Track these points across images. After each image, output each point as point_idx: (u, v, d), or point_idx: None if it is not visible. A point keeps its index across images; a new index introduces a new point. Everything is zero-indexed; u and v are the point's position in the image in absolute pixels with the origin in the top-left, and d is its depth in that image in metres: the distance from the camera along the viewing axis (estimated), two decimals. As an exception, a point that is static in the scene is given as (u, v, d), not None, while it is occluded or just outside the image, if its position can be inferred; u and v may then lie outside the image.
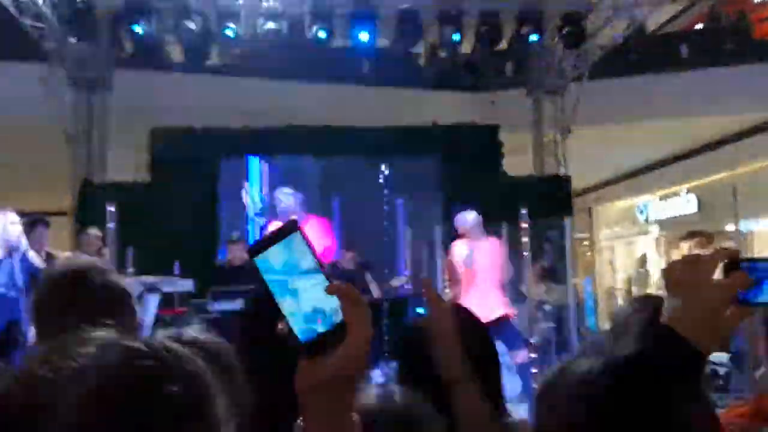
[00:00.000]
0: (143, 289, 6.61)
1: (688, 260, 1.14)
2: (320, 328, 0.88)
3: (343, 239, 9.59)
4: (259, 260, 0.90)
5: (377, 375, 8.35)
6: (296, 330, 0.88)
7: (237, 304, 6.70)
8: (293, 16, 9.17)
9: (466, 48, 10.09)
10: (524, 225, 7.28)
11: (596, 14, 9.98)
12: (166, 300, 7.26)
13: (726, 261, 1.10)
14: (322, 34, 8.98)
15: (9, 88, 8.95)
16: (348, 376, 0.88)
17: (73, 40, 8.54)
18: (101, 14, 8.84)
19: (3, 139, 10.04)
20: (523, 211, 7.33)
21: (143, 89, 9.68)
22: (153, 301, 6.65)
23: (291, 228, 0.91)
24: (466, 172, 9.79)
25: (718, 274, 1.10)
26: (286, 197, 7.98)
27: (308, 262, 0.90)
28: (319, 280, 0.89)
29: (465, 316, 1.99)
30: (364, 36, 9.18)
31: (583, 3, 9.86)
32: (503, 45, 9.95)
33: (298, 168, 10.27)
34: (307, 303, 0.89)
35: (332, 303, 0.89)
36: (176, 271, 8.08)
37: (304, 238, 0.91)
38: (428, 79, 11.02)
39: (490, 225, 7.65)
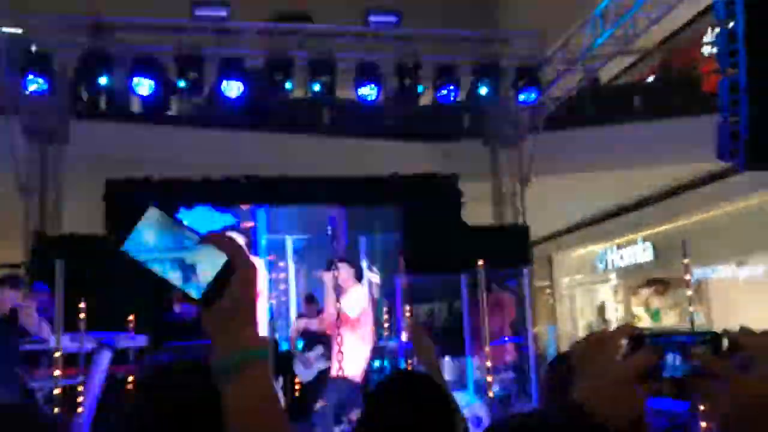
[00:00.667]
0: (95, 345, 6.43)
1: (593, 339, 1.14)
2: (206, 278, 0.98)
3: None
4: (128, 245, 0.99)
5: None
6: (191, 292, 0.98)
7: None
8: (253, 67, 9.20)
9: (424, 100, 10.22)
10: (483, 278, 7.29)
11: (550, 67, 10.22)
12: (120, 356, 7.07)
13: (630, 338, 1.10)
14: (287, 85, 9.00)
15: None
16: (245, 307, 1.01)
17: (28, 90, 8.42)
18: (59, 65, 8.76)
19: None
20: (480, 263, 7.33)
21: (101, 140, 9.58)
22: (106, 357, 6.46)
23: (150, 208, 1.00)
24: (428, 221, 9.80)
25: (622, 352, 1.10)
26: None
27: (180, 233, 0.99)
28: (195, 244, 0.99)
29: None
30: (318, 87, 9.22)
31: (537, 57, 10.08)
32: (461, 96, 10.11)
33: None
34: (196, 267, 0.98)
35: (212, 253, 0.99)
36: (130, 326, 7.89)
37: (165, 213, 1.00)
38: (386, 129, 11.12)
39: (450, 274, 7.67)
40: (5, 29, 8.37)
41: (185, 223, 1.01)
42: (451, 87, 9.52)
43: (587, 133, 11.68)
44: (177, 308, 8.25)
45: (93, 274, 8.00)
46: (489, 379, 6.95)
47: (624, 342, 1.11)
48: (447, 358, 8.33)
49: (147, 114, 10.41)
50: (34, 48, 8.62)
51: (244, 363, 1.01)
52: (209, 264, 0.98)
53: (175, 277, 0.98)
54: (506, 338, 8.44)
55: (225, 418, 1.01)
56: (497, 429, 1.17)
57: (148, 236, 0.99)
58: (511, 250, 9.74)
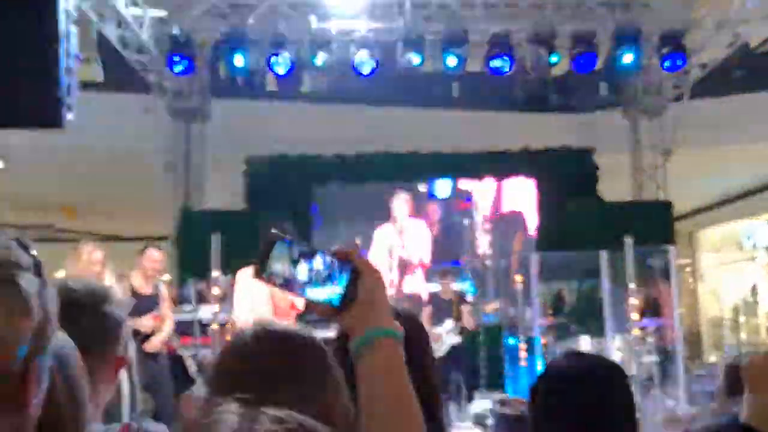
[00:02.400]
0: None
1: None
2: (340, 288, 1.11)
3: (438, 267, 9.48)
4: (265, 277, 1.12)
5: (475, 406, 8.22)
6: (327, 302, 1.12)
7: (332, 331, 6.70)
8: (385, 43, 9.20)
9: (558, 69, 9.90)
10: (629, 254, 7.00)
11: (698, 31, 9.64)
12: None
13: None
14: (416, 60, 8.95)
15: (113, 117, 9.34)
16: (375, 301, 1.12)
17: (173, 71, 8.81)
18: (199, 45, 9.10)
19: (107, 166, 10.48)
20: (629, 240, 7.05)
21: (239, 118, 9.92)
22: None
23: (273, 238, 1.12)
24: (562, 197, 9.54)
25: None
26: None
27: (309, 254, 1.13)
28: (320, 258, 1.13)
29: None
30: (451, 61, 9.10)
31: (683, 20, 9.52)
32: (598, 65, 9.71)
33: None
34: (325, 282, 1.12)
35: (341, 266, 1.12)
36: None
37: (286, 240, 1.13)
38: (519, 101, 10.88)
39: (587, 251, 7.42)
40: (151, 13, 8.75)
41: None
42: (590, 56, 9.14)
43: (735, 102, 11.04)
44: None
45: (236, 247, 8.32)
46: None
47: None
48: (585, 337, 8.08)
49: (282, 91, 10.67)
50: (176, 30, 8.97)
51: (377, 339, 1.09)
52: (338, 273, 1.12)
53: (316, 293, 1.12)
54: (647, 320, 8.08)
55: (360, 395, 1.09)
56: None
57: (280, 261, 1.12)
58: (652, 226, 9.33)
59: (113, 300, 1.67)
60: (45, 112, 4.52)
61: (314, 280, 1.12)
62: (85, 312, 1.55)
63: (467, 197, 10.35)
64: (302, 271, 1.12)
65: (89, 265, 5.04)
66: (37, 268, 0.89)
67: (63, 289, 1.57)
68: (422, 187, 10.34)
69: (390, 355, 1.10)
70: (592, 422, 1.68)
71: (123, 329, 1.66)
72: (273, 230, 1.14)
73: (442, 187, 10.51)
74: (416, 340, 1.73)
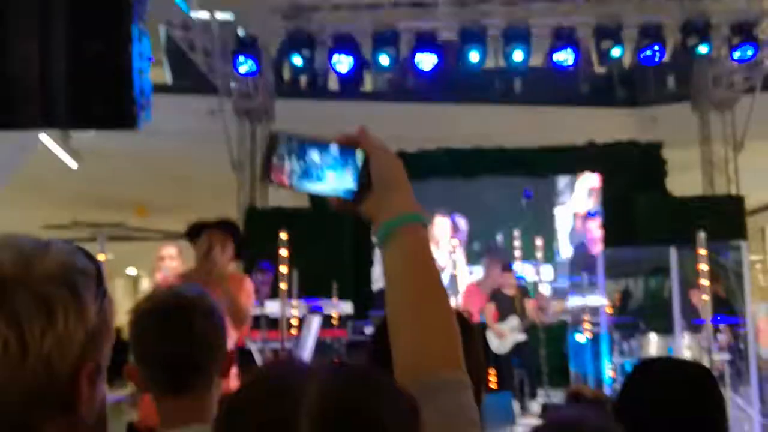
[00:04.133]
0: (306, 312, 6.76)
1: None
2: (352, 179, 1.04)
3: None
4: (271, 180, 1.04)
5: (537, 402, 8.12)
6: (343, 195, 1.05)
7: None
8: (446, 41, 9.15)
9: (624, 62, 9.69)
10: (702, 251, 6.80)
11: (768, 21, 9.31)
12: (327, 321, 7.39)
13: None
14: (475, 57, 8.88)
15: (181, 119, 9.54)
16: (392, 183, 1.05)
17: (239, 72, 8.94)
18: (264, 47, 9.21)
19: (176, 166, 10.72)
20: (702, 235, 6.85)
21: (302, 118, 10.00)
22: (316, 322, 6.77)
23: (275, 138, 1.05)
24: (629, 192, 9.35)
25: None
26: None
27: (315, 148, 1.05)
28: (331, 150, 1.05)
29: None
30: (518, 55, 9.00)
31: (755, 10, 9.20)
32: (665, 57, 9.47)
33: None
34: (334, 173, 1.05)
35: (350, 155, 1.05)
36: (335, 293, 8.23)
37: (294, 138, 1.05)
38: (584, 95, 10.69)
39: (659, 248, 7.24)
40: (217, 16, 8.90)
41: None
42: (656, 48, 8.90)
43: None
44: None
45: (300, 244, 8.40)
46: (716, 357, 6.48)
47: None
48: (653, 335, 7.88)
49: (344, 90, 10.72)
50: (241, 32, 9.10)
51: (401, 226, 1.03)
52: (349, 163, 1.05)
53: (327, 187, 1.05)
54: (719, 317, 7.83)
55: (387, 289, 1.03)
56: None
57: (286, 161, 1.04)
58: (723, 222, 9.06)
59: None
60: (120, 114, 4.61)
61: (324, 173, 1.04)
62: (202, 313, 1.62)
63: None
64: (310, 165, 1.04)
65: (167, 261, 5.15)
66: (99, 277, 0.91)
67: (177, 294, 1.69)
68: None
69: (415, 241, 1.04)
70: (682, 419, 1.65)
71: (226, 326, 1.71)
72: (273, 131, 1.08)
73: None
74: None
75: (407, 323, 1.00)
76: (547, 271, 10.31)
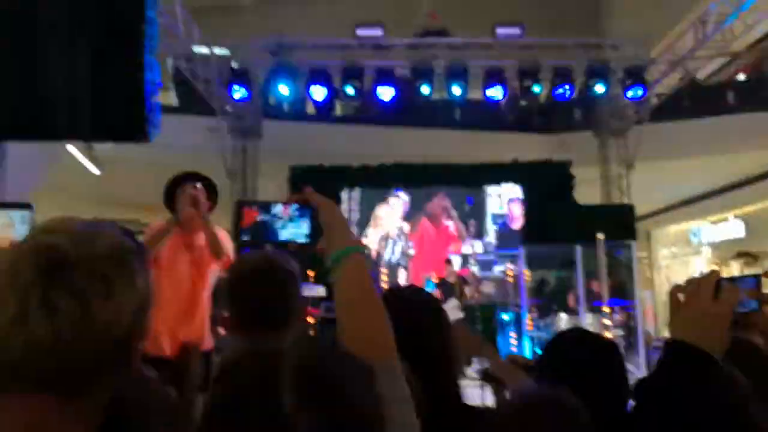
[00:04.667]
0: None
1: (691, 282, 1.11)
2: (306, 226, 1.17)
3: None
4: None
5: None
6: (301, 240, 1.18)
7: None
8: (402, 76, 9.17)
9: (541, 97, 9.82)
10: (602, 249, 6.93)
11: (654, 67, 9.54)
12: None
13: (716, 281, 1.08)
14: (425, 90, 8.92)
15: (184, 134, 9.39)
16: (334, 224, 1.16)
17: (233, 98, 8.84)
18: (254, 77, 9.12)
19: (177, 172, 10.51)
20: (601, 237, 6.98)
21: (285, 135, 9.93)
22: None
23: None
24: (544, 201, 9.46)
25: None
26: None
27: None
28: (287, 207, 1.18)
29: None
30: (457, 90, 9.05)
31: (642, 59, 9.43)
32: (574, 94, 9.63)
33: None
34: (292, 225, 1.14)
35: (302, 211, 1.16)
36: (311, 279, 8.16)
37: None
38: (509, 123, 10.82)
39: (567, 245, 7.35)
40: (216, 51, 8.79)
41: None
42: (567, 86, 9.05)
43: (685, 124, 10.93)
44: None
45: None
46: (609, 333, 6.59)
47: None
48: (563, 314, 8.01)
49: (319, 114, 10.68)
50: (235, 64, 9.00)
51: (345, 256, 1.12)
52: (302, 217, 1.14)
53: (287, 234, 1.11)
54: (613, 301, 8.00)
55: (336, 302, 1.10)
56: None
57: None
58: (618, 226, 9.21)
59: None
60: (135, 128, 4.54)
61: (285, 225, 1.23)
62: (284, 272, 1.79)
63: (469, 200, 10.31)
64: (275, 219, 1.21)
65: None
66: (142, 254, 0.90)
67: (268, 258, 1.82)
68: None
69: (355, 266, 1.12)
70: (588, 377, 1.65)
71: None
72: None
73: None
74: (433, 317, 1.72)
75: (350, 322, 1.07)
76: (477, 246, 10.41)
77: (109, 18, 4.38)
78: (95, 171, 10.62)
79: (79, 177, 10.51)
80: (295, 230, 0.98)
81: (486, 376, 2.48)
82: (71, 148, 9.19)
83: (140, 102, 4.44)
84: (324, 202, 1.18)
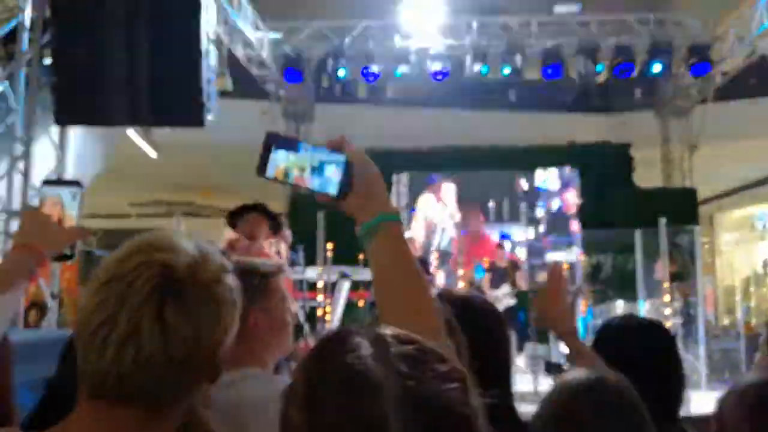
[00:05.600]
0: (338, 276, 6.70)
1: None
2: (336, 178, 0.97)
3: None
4: (269, 171, 0.97)
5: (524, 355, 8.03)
6: (329, 192, 0.97)
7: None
8: (455, 57, 8.97)
9: (601, 77, 9.46)
10: (663, 234, 6.65)
11: (720, 45, 9.04)
12: (355, 285, 7.32)
13: None
14: (482, 69, 8.68)
15: (239, 118, 9.46)
16: (371, 187, 0.99)
17: (287, 82, 8.86)
18: (307, 61, 9.10)
19: (235, 157, 10.64)
20: (662, 221, 6.69)
21: (336, 118, 9.90)
22: (345, 286, 6.72)
23: (270, 138, 0.97)
24: (602, 184, 9.16)
25: None
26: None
27: (304, 150, 0.97)
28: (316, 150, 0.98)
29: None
30: (508, 70, 8.78)
31: (707, 36, 8.95)
32: (634, 74, 9.24)
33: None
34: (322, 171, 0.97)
35: (335, 158, 0.97)
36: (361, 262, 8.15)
37: (288, 139, 0.98)
38: (566, 103, 10.49)
39: (625, 230, 7.11)
40: (270, 35, 8.79)
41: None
42: (627, 66, 8.67)
43: (752, 104, 10.35)
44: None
45: (333, 222, 8.33)
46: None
47: None
48: (620, 301, 7.75)
49: (370, 97, 10.60)
50: (289, 49, 8.99)
51: (382, 224, 0.98)
52: (334, 165, 0.98)
53: (315, 183, 0.97)
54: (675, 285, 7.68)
55: (374, 279, 0.99)
56: None
57: (280, 158, 0.97)
58: (679, 210, 8.85)
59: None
60: (191, 115, 4.57)
61: (313, 170, 0.97)
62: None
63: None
64: (301, 163, 0.97)
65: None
66: (236, 278, 0.91)
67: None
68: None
69: (393, 236, 0.99)
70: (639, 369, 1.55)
71: None
72: (269, 132, 1.00)
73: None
74: (493, 325, 1.61)
75: (391, 303, 0.97)
76: (528, 232, 10.12)
77: (167, 7, 4.39)
78: (152, 154, 10.87)
79: (137, 160, 10.78)
80: (323, 180, 0.82)
81: (550, 368, 2.41)
82: (130, 132, 9.40)
83: (197, 89, 4.47)
84: (362, 157, 1.01)
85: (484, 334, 1.49)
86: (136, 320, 0.79)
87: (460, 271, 7.45)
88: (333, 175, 0.97)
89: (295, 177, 0.97)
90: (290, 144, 0.98)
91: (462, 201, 9.99)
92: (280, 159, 0.97)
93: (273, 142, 0.98)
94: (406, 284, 0.98)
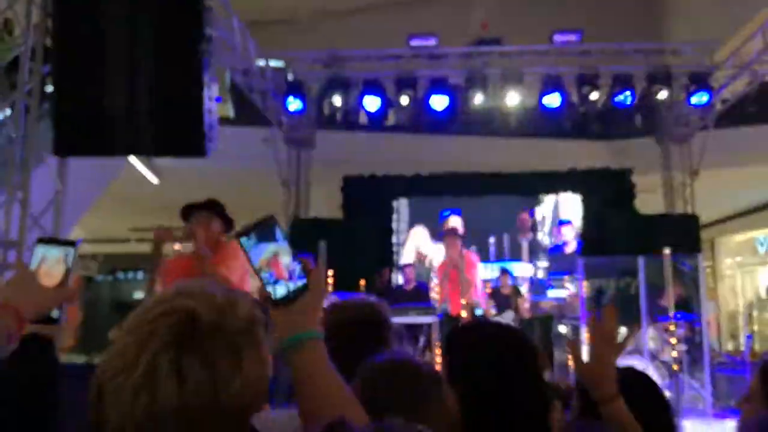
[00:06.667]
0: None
1: None
2: (290, 288, 1.02)
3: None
4: (243, 240, 1.01)
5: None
6: (272, 292, 1.02)
7: (410, 318, 6.66)
8: (455, 85, 8.99)
9: (600, 104, 9.46)
10: (668, 263, 6.58)
11: (719, 72, 9.06)
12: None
13: None
14: (479, 98, 8.71)
15: (240, 145, 9.46)
16: (309, 310, 1.03)
17: (288, 109, 8.86)
18: (308, 88, 9.12)
19: (237, 183, 10.65)
20: (667, 252, 6.63)
21: (338, 145, 9.90)
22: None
23: (268, 221, 1.03)
24: (603, 210, 9.10)
25: None
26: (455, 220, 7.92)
27: (280, 242, 1.03)
28: (288, 254, 1.02)
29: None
30: (511, 98, 8.81)
31: (706, 64, 8.98)
32: (635, 101, 9.24)
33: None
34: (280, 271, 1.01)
35: (299, 276, 1.03)
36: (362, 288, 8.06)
37: (279, 228, 1.04)
38: (567, 130, 10.49)
39: (628, 257, 7.04)
40: (271, 63, 8.82)
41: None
42: (627, 92, 8.68)
43: (752, 130, 10.38)
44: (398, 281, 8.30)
45: (334, 248, 8.26)
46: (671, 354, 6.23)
47: None
48: (623, 328, 7.62)
49: (371, 124, 10.60)
50: (290, 77, 9.02)
51: (303, 341, 1.01)
52: (296, 280, 1.03)
53: (264, 275, 1.02)
54: (679, 315, 7.57)
55: (299, 393, 1.01)
56: None
57: (261, 252, 1.02)
58: (682, 236, 8.78)
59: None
60: (193, 144, 4.54)
61: (273, 271, 1.02)
62: None
63: (530, 211, 9.94)
64: (272, 258, 1.02)
65: None
66: (267, 327, 0.91)
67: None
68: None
69: (316, 355, 1.02)
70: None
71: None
72: (273, 216, 1.04)
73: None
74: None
75: (315, 414, 0.98)
76: (529, 269, 10.02)
77: (169, 37, 4.39)
78: (154, 180, 10.85)
79: (138, 186, 10.76)
80: (274, 281, 0.86)
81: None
82: (131, 158, 9.39)
83: (199, 119, 4.44)
84: (320, 285, 1.06)
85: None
86: (154, 368, 0.77)
87: (463, 301, 7.34)
88: (289, 284, 1.02)
89: (270, 259, 1.01)
90: (278, 236, 1.04)
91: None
92: (261, 239, 1.02)
93: (269, 223, 1.03)
94: (328, 402, 0.99)
